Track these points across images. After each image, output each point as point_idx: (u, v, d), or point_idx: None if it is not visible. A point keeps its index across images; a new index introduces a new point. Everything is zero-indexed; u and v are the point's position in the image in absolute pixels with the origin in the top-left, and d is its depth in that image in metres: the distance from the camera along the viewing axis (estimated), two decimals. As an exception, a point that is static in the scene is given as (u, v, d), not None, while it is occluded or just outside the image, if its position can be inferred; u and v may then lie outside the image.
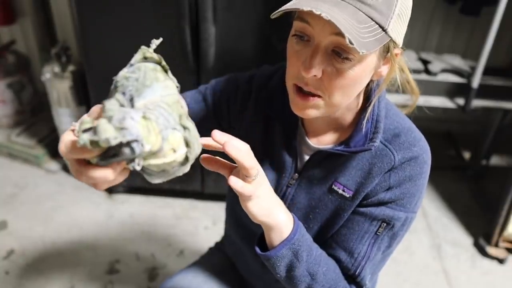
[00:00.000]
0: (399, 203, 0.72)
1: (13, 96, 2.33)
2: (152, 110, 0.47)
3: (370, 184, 0.72)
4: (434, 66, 2.01)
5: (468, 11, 2.10)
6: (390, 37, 0.60)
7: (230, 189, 0.93)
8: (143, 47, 0.52)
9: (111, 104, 0.45)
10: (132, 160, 0.45)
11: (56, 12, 2.20)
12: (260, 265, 0.89)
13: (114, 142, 0.42)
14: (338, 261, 0.75)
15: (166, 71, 0.52)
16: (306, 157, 0.78)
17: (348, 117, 0.74)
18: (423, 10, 2.30)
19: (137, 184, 2.00)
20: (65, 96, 2.05)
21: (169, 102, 0.49)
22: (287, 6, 0.58)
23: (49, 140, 2.28)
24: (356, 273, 0.74)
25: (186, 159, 0.49)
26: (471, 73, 1.94)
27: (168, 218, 1.98)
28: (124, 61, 0.54)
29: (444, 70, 2.02)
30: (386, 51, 0.64)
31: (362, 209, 0.74)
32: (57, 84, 2.02)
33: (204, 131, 0.92)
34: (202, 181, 1.94)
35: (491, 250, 1.86)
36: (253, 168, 0.59)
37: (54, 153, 2.25)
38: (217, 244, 1.15)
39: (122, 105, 0.47)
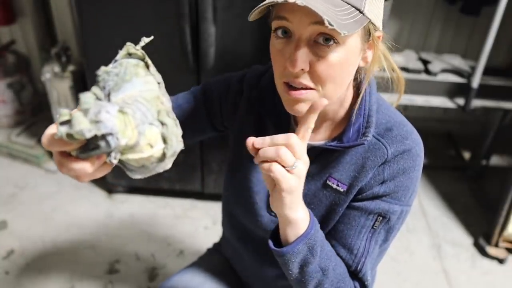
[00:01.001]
0: (393, 196, 0.72)
1: (13, 96, 2.33)
2: (130, 104, 0.47)
3: (364, 178, 0.72)
4: (434, 66, 2.01)
5: (468, 11, 2.10)
6: (369, 18, 0.60)
7: (226, 189, 0.92)
8: (128, 43, 0.52)
9: (86, 97, 0.45)
10: (109, 154, 0.46)
11: (56, 12, 2.21)
12: (258, 264, 0.89)
13: (88, 135, 0.42)
14: None
15: (148, 67, 0.52)
16: None
17: (340, 112, 0.74)
18: (423, 10, 2.30)
19: (137, 184, 2.00)
20: (65, 96, 2.05)
21: (147, 97, 0.48)
22: (261, 4, 0.58)
23: (49, 140, 2.28)
24: (358, 269, 0.74)
25: (164, 155, 0.49)
26: (471, 73, 1.94)
27: (168, 218, 1.98)
28: (124, 60, 0.54)
29: (444, 70, 2.02)
30: (368, 34, 0.64)
31: (357, 204, 0.74)
32: (57, 84, 2.03)
33: (198, 132, 0.92)
34: (202, 181, 1.94)
35: (491, 250, 1.86)
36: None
37: (54, 153, 2.25)
38: (215, 245, 1.15)
39: (99, 99, 0.47)
